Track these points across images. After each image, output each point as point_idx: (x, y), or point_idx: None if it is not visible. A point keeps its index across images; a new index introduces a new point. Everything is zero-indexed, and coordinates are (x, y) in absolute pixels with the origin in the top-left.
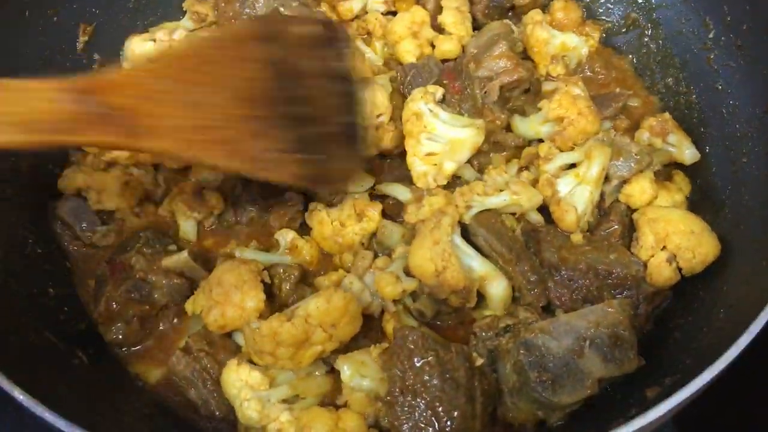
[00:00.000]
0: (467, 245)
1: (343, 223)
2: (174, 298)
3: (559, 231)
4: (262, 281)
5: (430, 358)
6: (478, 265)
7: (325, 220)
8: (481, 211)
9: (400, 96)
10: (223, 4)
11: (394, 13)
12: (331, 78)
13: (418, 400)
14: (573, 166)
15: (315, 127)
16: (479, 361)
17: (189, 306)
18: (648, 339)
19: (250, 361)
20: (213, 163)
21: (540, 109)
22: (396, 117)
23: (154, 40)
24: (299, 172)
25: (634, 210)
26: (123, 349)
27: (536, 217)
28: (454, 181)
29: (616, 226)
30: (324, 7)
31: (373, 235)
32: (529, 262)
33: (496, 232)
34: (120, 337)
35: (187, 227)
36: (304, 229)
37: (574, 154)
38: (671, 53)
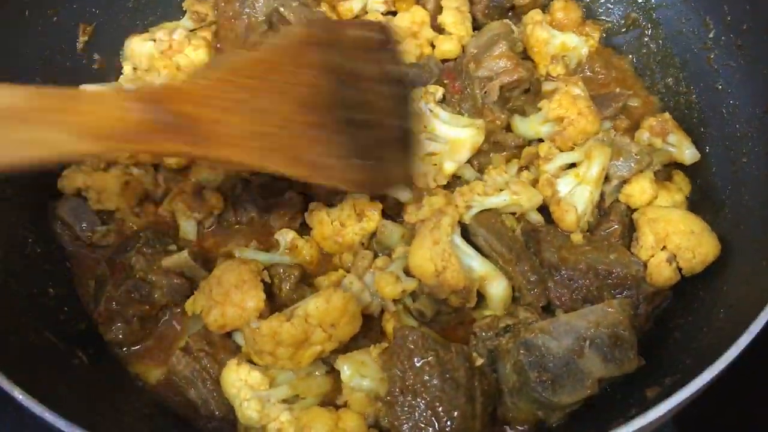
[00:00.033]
0: (467, 245)
1: (343, 223)
2: (174, 298)
3: (559, 231)
4: (262, 281)
5: (430, 358)
6: (478, 265)
7: (325, 220)
8: (481, 211)
9: None
10: (223, 4)
11: (394, 13)
12: (386, 81)
13: (418, 400)
14: (573, 166)
15: (372, 132)
16: (479, 361)
17: (189, 306)
18: (648, 339)
19: (250, 361)
20: (274, 169)
21: (540, 109)
22: None
23: (154, 40)
24: (358, 178)
25: (634, 210)
26: (123, 349)
27: (536, 217)
28: (454, 181)
29: (616, 226)
30: (324, 7)
31: (373, 235)
32: (529, 262)
33: (496, 232)
34: (120, 337)
35: (187, 227)
36: (304, 229)
37: (574, 154)
38: (671, 53)
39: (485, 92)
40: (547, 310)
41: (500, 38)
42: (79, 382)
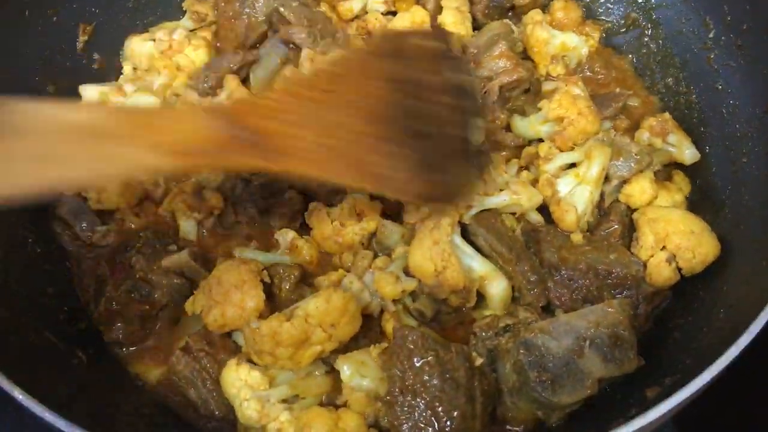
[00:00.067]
0: (467, 245)
1: (343, 223)
2: (174, 298)
3: (559, 231)
4: (262, 281)
5: (429, 358)
6: (478, 265)
7: (325, 220)
8: (481, 211)
9: None
10: (223, 4)
11: (394, 13)
12: (448, 91)
13: (418, 400)
14: (573, 166)
15: (436, 144)
16: (479, 361)
17: (189, 306)
18: (648, 339)
19: (250, 361)
20: (341, 182)
21: (540, 109)
22: None
23: (154, 40)
24: (424, 191)
25: (634, 210)
26: (123, 349)
27: (536, 217)
28: None
29: (616, 226)
30: (324, 7)
31: (373, 235)
32: (529, 262)
33: (496, 232)
34: (120, 337)
35: (187, 227)
36: (304, 229)
37: (574, 154)
38: (671, 53)
39: (485, 92)
40: (547, 310)
41: (500, 38)
42: (79, 382)
